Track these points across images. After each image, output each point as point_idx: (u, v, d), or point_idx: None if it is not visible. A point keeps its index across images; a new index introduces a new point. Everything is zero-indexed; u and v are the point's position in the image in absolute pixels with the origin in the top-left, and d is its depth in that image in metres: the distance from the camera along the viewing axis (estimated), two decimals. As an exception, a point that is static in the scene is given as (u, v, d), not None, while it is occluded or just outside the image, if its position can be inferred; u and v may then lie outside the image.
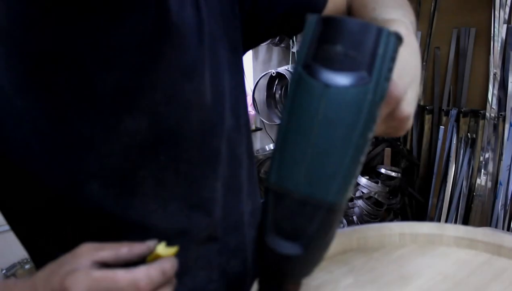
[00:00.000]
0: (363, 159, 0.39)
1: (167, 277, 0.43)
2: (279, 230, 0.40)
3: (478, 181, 2.49)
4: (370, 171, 2.41)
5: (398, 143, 2.69)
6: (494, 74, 2.53)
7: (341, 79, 0.36)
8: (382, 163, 2.36)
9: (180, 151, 0.56)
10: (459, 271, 0.61)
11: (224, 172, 0.62)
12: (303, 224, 0.39)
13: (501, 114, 2.46)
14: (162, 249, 0.45)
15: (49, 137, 0.49)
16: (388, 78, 0.38)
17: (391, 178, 2.28)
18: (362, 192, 2.18)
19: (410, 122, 0.46)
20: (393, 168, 2.24)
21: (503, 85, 2.48)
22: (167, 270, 0.43)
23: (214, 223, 0.62)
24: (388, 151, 2.30)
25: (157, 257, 0.44)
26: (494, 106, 2.49)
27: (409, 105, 0.44)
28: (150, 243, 0.45)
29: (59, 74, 0.48)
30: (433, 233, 0.68)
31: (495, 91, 2.51)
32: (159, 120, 0.53)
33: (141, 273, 0.41)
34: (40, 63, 0.47)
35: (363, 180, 2.19)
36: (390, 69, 0.38)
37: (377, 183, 2.17)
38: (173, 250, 0.46)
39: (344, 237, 0.69)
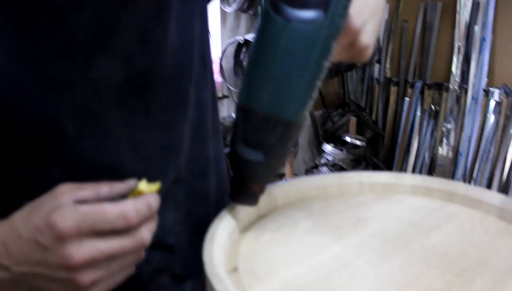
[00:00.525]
0: (318, 83, 0.47)
1: (152, 212, 0.44)
2: (246, 141, 0.49)
3: (440, 151, 2.55)
4: (335, 140, 2.44)
5: (364, 114, 2.73)
6: (458, 48, 2.58)
7: (301, 16, 0.44)
8: (347, 132, 2.39)
9: (152, 94, 0.56)
10: (414, 215, 0.63)
11: (191, 116, 0.62)
12: (265, 136, 0.48)
13: (463, 87, 2.51)
14: (144, 185, 0.45)
15: (21, 78, 0.47)
16: (343, 15, 0.45)
17: (356, 146, 2.31)
18: (327, 159, 2.21)
19: (369, 51, 0.51)
20: (358, 137, 2.28)
21: (466, 59, 2.53)
22: (152, 204, 0.44)
23: (181, 166, 0.62)
24: (353, 120, 2.33)
25: (139, 194, 0.44)
26: (457, 79, 2.54)
27: (367, 37, 0.49)
28: (131, 182, 0.45)
29: (31, 14, 0.47)
30: (391, 182, 0.70)
31: (459, 65, 2.56)
32: (131, 63, 0.53)
33: (129, 206, 0.41)
34: (11, 2, 0.46)
35: (328, 147, 2.22)
36: (345, 8, 0.44)
37: (341, 150, 2.20)
38: (155, 186, 0.46)
39: (303, 185, 0.69)
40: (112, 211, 0.40)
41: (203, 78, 0.65)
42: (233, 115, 2.60)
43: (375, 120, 2.83)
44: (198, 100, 0.64)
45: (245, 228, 0.61)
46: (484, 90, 2.44)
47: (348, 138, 2.31)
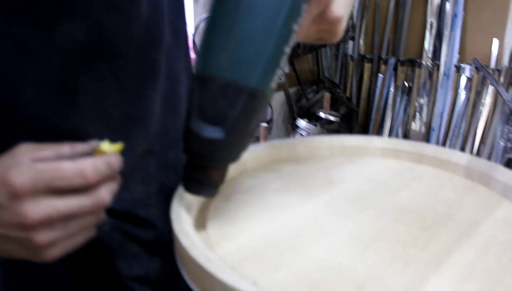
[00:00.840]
0: (287, 50, 0.41)
1: (113, 171, 0.42)
2: (204, 115, 0.42)
3: (413, 126, 2.59)
4: (310, 116, 2.44)
5: (338, 90, 2.74)
6: (431, 25, 2.60)
7: None
8: (322, 108, 2.39)
9: (120, 62, 0.55)
10: (383, 175, 0.63)
11: (163, 86, 0.61)
12: (226, 109, 0.41)
13: (436, 63, 2.54)
14: (106, 146, 0.44)
15: None
16: None
17: (330, 122, 2.32)
18: (301, 135, 2.22)
19: (342, 26, 0.47)
20: (332, 113, 2.28)
21: (438, 36, 2.55)
22: (112, 163, 0.42)
23: (152, 137, 0.61)
24: (327, 96, 2.33)
25: (102, 154, 0.43)
26: (430, 55, 2.56)
27: (339, 8, 0.45)
28: (93, 142, 0.43)
29: None
30: (361, 145, 0.70)
31: (431, 41, 2.58)
32: (97, 29, 0.52)
33: (87, 163, 0.40)
34: None
35: (302, 123, 2.23)
36: None
37: (315, 126, 2.21)
38: (117, 146, 0.45)
39: (274, 149, 0.69)
40: (70, 168, 0.38)
41: (175, 49, 0.63)
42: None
43: (349, 96, 2.85)
44: (170, 71, 0.63)
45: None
46: (456, 66, 2.47)
47: (322, 114, 2.31)
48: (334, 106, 2.65)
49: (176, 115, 0.66)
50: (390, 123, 2.68)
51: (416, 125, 2.58)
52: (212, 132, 0.42)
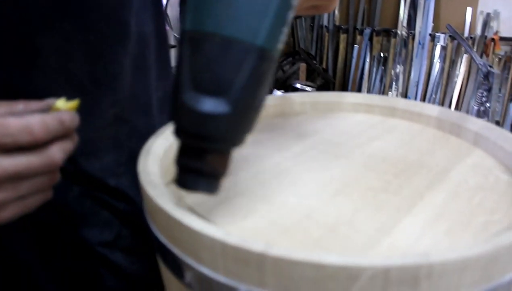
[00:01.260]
0: (295, 3, 0.34)
1: (65, 128, 0.39)
2: (200, 85, 0.33)
3: (389, 95, 2.59)
4: (286, 88, 2.43)
5: (314, 62, 2.73)
6: (406, -6, 2.59)
7: None
8: (298, 80, 2.38)
9: (88, 22, 0.52)
10: (356, 128, 0.62)
11: (132, 49, 0.59)
12: (230, 74, 0.32)
13: (411, 33, 2.54)
14: (62, 103, 0.41)
15: None
16: None
17: (306, 93, 2.31)
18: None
19: None
20: (308, 83, 2.27)
21: (413, 5, 2.55)
22: (65, 120, 0.39)
23: (122, 102, 0.59)
24: (303, 66, 2.32)
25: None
26: (405, 25, 2.56)
27: None
28: (48, 100, 0.41)
29: None
30: (333, 101, 0.69)
31: (406, 11, 2.58)
32: None
33: (35, 119, 0.37)
34: None
35: (278, 94, 2.21)
36: None
37: (292, 97, 2.19)
38: (73, 103, 0.42)
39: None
40: (16, 124, 0.35)
41: (143, 12, 0.60)
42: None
43: (325, 67, 2.84)
44: (140, 34, 0.60)
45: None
46: (430, 35, 2.47)
47: (298, 85, 2.30)
48: (310, 78, 2.64)
49: (146, 81, 0.63)
50: (366, 93, 2.68)
51: (392, 95, 2.59)
52: (213, 105, 0.33)
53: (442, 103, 2.43)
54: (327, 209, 0.43)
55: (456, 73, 2.38)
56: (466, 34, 2.39)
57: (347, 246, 0.37)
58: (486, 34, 2.32)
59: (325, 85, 2.70)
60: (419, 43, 2.49)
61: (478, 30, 2.36)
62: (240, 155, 0.54)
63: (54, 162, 0.38)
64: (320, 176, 0.49)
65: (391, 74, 2.60)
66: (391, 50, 2.60)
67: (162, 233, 0.42)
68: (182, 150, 0.37)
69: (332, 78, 2.76)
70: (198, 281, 0.39)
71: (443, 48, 2.42)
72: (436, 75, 2.44)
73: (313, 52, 2.93)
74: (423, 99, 2.51)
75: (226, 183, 0.48)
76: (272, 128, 0.63)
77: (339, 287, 0.32)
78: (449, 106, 2.40)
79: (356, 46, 2.73)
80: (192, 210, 0.44)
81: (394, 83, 2.60)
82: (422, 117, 0.64)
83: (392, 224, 0.40)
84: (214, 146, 0.35)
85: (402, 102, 0.66)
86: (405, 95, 2.58)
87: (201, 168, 0.36)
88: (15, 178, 0.36)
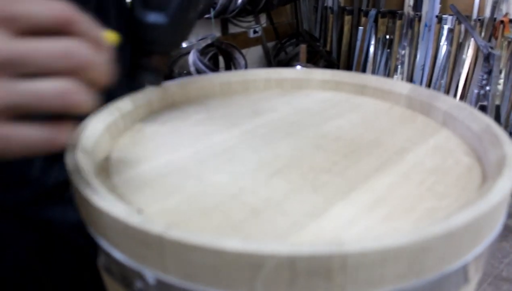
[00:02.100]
0: None
1: (99, 42, 0.29)
2: (146, 3, 0.46)
3: (394, 79, 2.52)
4: (287, 70, 2.38)
5: (318, 44, 2.66)
6: (414, -26, 2.50)
7: None
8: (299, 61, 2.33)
9: None
10: (317, 106, 0.58)
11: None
12: None
13: (417, 14, 2.46)
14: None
15: None
16: None
17: (306, 75, 2.26)
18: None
19: None
20: (308, 65, 2.21)
21: (420, -15, 2.46)
22: (99, 36, 0.29)
23: None
24: (303, 47, 2.26)
25: None
26: (411, 5, 2.48)
27: None
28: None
29: None
30: (300, 77, 0.65)
31: (414, -8, 2.49)
32: None
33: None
34: None
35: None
36: None
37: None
38: (114, 36, 0.35)
39: (206, 81, 0.63)
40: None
41: None
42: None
43: (329, 50, 2.77)
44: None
45: (133, 122, 0.55)
46: (437, 17, 2.39)
47: (298, 67, 2.24)
48: (313, 60, 2.58)
49: (119, 53, 0.61)
50: (369, 77, 2.61)
51: (397, 79, 2.52)
52: (155, 17, 0.47)
53: (448, 88, 2.36)
54: (259, 189, 0.39)
55: (463, 57, 2.30)
56: (474, 16, 2.30)
57: (267, 231, 0.33)
58: (495, 16, 2.23)
59: (328, 68, 2.64)
60: (426, 25, 2.41)
61: (487, 12, 2.27)
62: (189, 132, 0.50)
63: (76, 58, 0.26)
64: (263, 154, 0.45)
65: (396, 57, 2.53)
66: (397, 33, 2.52)
67: (81, 212, 0.39)
68: (134, 53, 0.50)
69: (335, 60, 2.70)
70: (110, 264, 0.36)
71: (450, 30, 2.34)
72: (443, 59, 2.37)
73: (317, 34, 2.86)
74: (429, 83, 2.44)
75: (164, 160, 0.44)
76: (228, 105, 0.59)
77: (243, 276, 0.28)
78: (456, 90, 2.32)
79: (360, 28, 2.66)
80: (115, 189, 0.40)
81: (399, 66, 2.53)
82: (392, 95, 0.59)
83: (325, 208, 0.36)
84: (156, 48, 0.50)
85: (372, 80, 0.61)
86: (410, 79, 2.51)
87: (147, 64, 0.50)
88: (29, 65, 0.25)
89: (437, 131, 0.50)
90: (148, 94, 0.57)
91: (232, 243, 0.28)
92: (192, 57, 2.49)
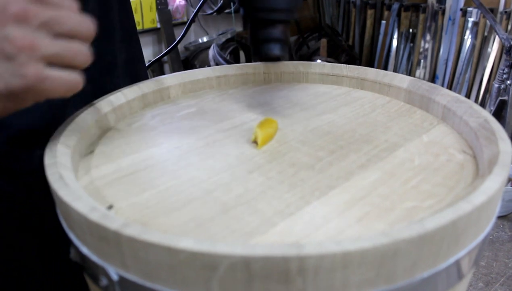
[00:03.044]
0: None
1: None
2: None
3: (416, 74, 2.47)
4: (306, 64, 2.35)
5: (340, 38, 2.62)
6: (439, -34, 2.44)
7: None
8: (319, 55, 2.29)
9: None
10: (313, 100, 0.56)
11: (92, 10, 0.56)
12: None
13: (441, 7, 2.39)
14: None
15: None
16: None
17: (326, 69, 2.22)
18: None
19: None
20: (329, 59, 2.18)
21: (445, -23, 2.40)
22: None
23: None
24: (324, 41, 2.22)
25: None
26: (435, -1, 2.42)
27: None
28: None
29: None
30: (299, 71, 0.63)
31: (438, -16, 2.43)
32: None
33: None
34: None
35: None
36: None
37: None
38: None
39: (201, 75, 0.62)
40: None
41: None
42: (199, 40, 2.50)
43: (351, 44, 2.72)
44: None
45: (124, 115, 0.54)
46: (462, 10, 2.32)
47: (319, 61, 2.21)
48: (334, 54, 2.54)
49: (110, 41, 0.61)
50: (392, 71, 2.56)
51: (420, 73, 2.47)
52: None
53: (472, 82, 2.29)
54: (235, 186, 0.37)
55: (488, 50, 2.23)
56: (501, 8, 2.23)
57: (233, 229, 0.32)
58: (522, 9, 2.16)
59: (350, 62, 2.60)
60: (450, 18, 2.35)
61: (515, 5, 2.19)
62: (176, 127, 0.49)
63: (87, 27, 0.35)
64: (246, 149, 0.44)
65: (419, 51, 2.47)
66: (420, 26, 2.46)
67: (57, 206, 0.38)
68: (259, 28, 0.50)
69: (357, 55, 2.65)
70: (80, 258, 0.35)
71: (475, 23, 2.27)
72: (467, 53, 2.30)
73: (339, 28, 2.82)
74: (452, 77, 2.38)
75: (146, 154, 0.43)
76: (223, 99, 0.57)
77: (199, 276, 0.27)
78: (479, 85, 2.26)
79: (383, 22, 2.60)
80: (92, 183, 0.39)
81: (422, 61, 2.47)
82: (392, 89, 0.56)
83: (299, 207, 0.34)
84: (277, 16, 0.49)
85: (371, 73, 0.59)
86: (433, 73, 2.45)
87: (272, 36, 0.50)
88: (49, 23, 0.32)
89: (433, 127, 0.48)
90: (142, 88, 0.56)
91: (186, 242, 0.27)
92: (212, 52, 2.48)
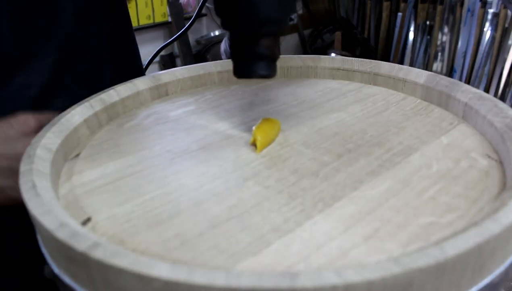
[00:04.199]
0: None
1: None
2: None
3: (433, 67, 2.40)
4: (320, 57, 2.29)
5: (355, 31, 2.56)
6: (457, -45, 2.36)
7: None
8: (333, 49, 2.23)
9: None
10: (321, 97, 0.51)
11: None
12: None
13: (460, -2, 2.31)
14: None
15: None
16: None
17: (340, 63, 2.16)
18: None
19: None
20: (343, 52, 2.12)
21: (464, -33, 2.32)
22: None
23: (66, 50, 0.55)
24: (338, 34, 2.16)
25: None
26: (454, -10, 2.34)
27: None
28: None
29: None
30: (307, 65, 0.58)
31: (457, -26, 2.35)
32: None
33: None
34: None
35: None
36: None
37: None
38: None
39: (202, 70, 0.58)
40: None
41: None
42: (211, 34, 2.46)
43: (367, 37, 2.66)
44: None
45: (117, 114, 0.50)
46: (481, 0, 2.24)
47: (333, 54, 2.15)
48: (349, 47, 2.48)
49: (96, 30, 0.59)
50: (409, 64, 2.49)
51: (437, 67, 2.39)
52: None
53: (491, 76, 2.21)
54: (228, 195, 0.33)
55: (508, 43, 2.15)
56: (522, -1, 2.14)
57: (222, 249, 0.28)
58: (546, -1, 2.07)
59: (365, 56, 2.53)
60: (468, 10, 2.27)
61: (537, -5, 2.11)
62: (166, 127, 0.45)
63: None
64: (243, 153, 0.39)
65: (436, 44, 2.40)
66: (437, 18, 2.38)
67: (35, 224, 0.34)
68: (239, 42, 0.40)
69: (373, 47, 2.58)
70: (53, 277, 0.31)
71: (495, 15, 2.19)
72: (486, 45, 2.22)
73: (354, 21, 2.75)
74: (470, 71, 2.30)
75: (133, 158, 0.39)
76: (224, 96, 0.53)
77: (175, 309, 0.23)
78: (499, 79, 2.18)
79: (399, 14, 2.53)
80: (72, 191, 0.36)
81: (439, 54, 2.40)
82: (408, 84, 0.52)
83: (298, 222, 0.30)
84: (267, 29, 0.39)
85: (385, 67, 0.54)
86: (451, 66, 2.38)
87: (254, 52, 0.39)
88: None
89: (453, 127, 0.43)
90: (137, 85, 0.52)
91: (160, 269, 0.22)
92: (223, 46, 2.44)
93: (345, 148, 0.40)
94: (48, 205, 0.30)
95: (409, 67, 0.52)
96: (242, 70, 0.41)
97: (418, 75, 0.51)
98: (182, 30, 0.72)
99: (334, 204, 0.31)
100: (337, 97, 0.51)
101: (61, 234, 0.26)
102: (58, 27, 0.52)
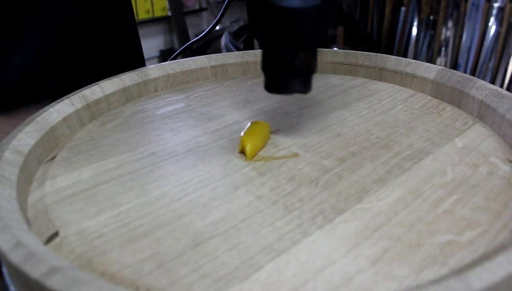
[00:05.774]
0: None
1: None
2: None
3: (437, 62, 2.35)
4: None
5: (357, 26, 2.52)
6: (462, -51, 2.31)
7: None
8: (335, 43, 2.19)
9: None
10: (319, 95, 0.47)
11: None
12: None
13: (465, -8, 2.26)
14: None
15: None
16: None
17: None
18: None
19: None
20: (346, 47, 2.07)
21: (469, -40, 2.27)
22: None
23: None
24: (340, 29, 2.12)
25: None
26: (459, -17, 2.29)
27: None
28: None
29: None
30: (307, 59, 0.54)
31: (461, -32, 2.30)
32: None
33: None
34: None
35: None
36: None
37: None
38: None
39: (194, 64, 0.54)
40: None
41: None
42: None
43: (370, 32, 2.61)
44: None
45: (101, 112, 0.46)
46: (487, -6, 2.19)
47: (335, 49, 2.11)
48: (352, 43, 2.43)
49: (96, 20, 0.57)
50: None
51: (441, 62, 2.35)
52: (301, 1, 0.32)
53: (496, 71, 2.17)
54: (214, 207, 0.29)
55: (514, 38, 2.11)
56: (529, -7, 2.09)
57: (204, 273, 0.24)
58: (553, -7, 2.02)
59: (368, 51, 2.49)
60: (473, 4, 2.22)
61: (544, -11, 2.06)
62: (151, 127, 0.41)
63: None
64: (234, 157, 0.35)
65: (440, 39, 2.35)
66: (441, 13, 2.34)
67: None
68: (277, 58, 0.35)
69: (375, 43, 2.54)
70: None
71: (501, 9, 2.14)
72: (491, 40, 2.18)
73: (357, 16, 2.70)
74: (475, 66, 2.26)
75: (113, 162, 0.35)
76: (216, 93, 0.49)
77: None
78: (504, 74, 2.13)
79: (403, 8, 2.48)
80: (41, 201, 0.32)
81: (443, 49, 2.35)
82: (416, 80, 0.47)
83: (294, 240, 0.26)
84: (306, 45, 0.35)
85: (392, 61, 0.50)
86: (455, 62, 2.33)
87: (291, 69, 0.35)
88: None
89: (469, 128, 0.39)
90: (124, 80, 0.48)
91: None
92: (224, 40, 2.40)
93: (348, 151, 0.35)
94: (6, 220, 0.26)
95: (418, 61, 0.48)
96: (276, 86, 0.36)
97: (427, 70, 0.46)
98: (222, 11, 0.64)
99: (335, 218, 0.27)
100: (340, 94, 0.47)
101: (15, 257, 0.22)
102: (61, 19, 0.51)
